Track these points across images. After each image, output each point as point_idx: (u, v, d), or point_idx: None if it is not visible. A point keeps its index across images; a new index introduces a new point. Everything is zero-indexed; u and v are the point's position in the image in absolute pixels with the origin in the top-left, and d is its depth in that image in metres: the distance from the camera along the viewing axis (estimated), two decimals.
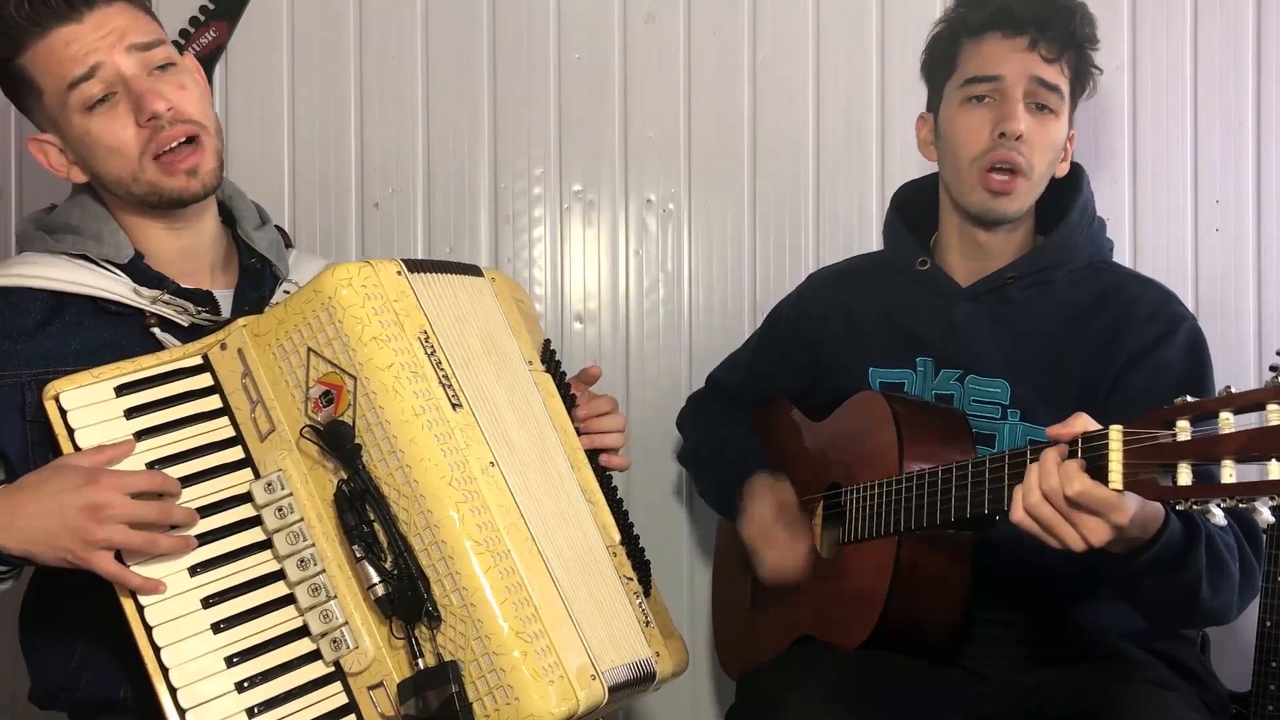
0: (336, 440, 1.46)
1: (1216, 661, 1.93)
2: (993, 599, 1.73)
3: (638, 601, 1.61)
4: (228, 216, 1.78)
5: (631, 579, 1.63)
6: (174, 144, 1.59)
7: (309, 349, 1.49)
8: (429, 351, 1.50)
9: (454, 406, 1.49)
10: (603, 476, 1.68)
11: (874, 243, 2.28)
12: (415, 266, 1.56)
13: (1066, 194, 1.88)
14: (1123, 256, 2.26)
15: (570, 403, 1.69)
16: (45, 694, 1.66)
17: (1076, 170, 1.92)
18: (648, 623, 1.60)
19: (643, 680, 1.55)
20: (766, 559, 1.87)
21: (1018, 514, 1.45)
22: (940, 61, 1.90)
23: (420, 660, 1.42)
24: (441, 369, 1.50)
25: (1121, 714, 1.56)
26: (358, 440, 1.46)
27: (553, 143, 2.34)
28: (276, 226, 1.84)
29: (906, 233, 1.96)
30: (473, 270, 1.65)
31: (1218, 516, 1.29)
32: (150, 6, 1.65)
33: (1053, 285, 1.84)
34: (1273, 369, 1.88)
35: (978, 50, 1.83)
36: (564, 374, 1.71)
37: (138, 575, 1.43)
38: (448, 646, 1.42)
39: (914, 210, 1.98)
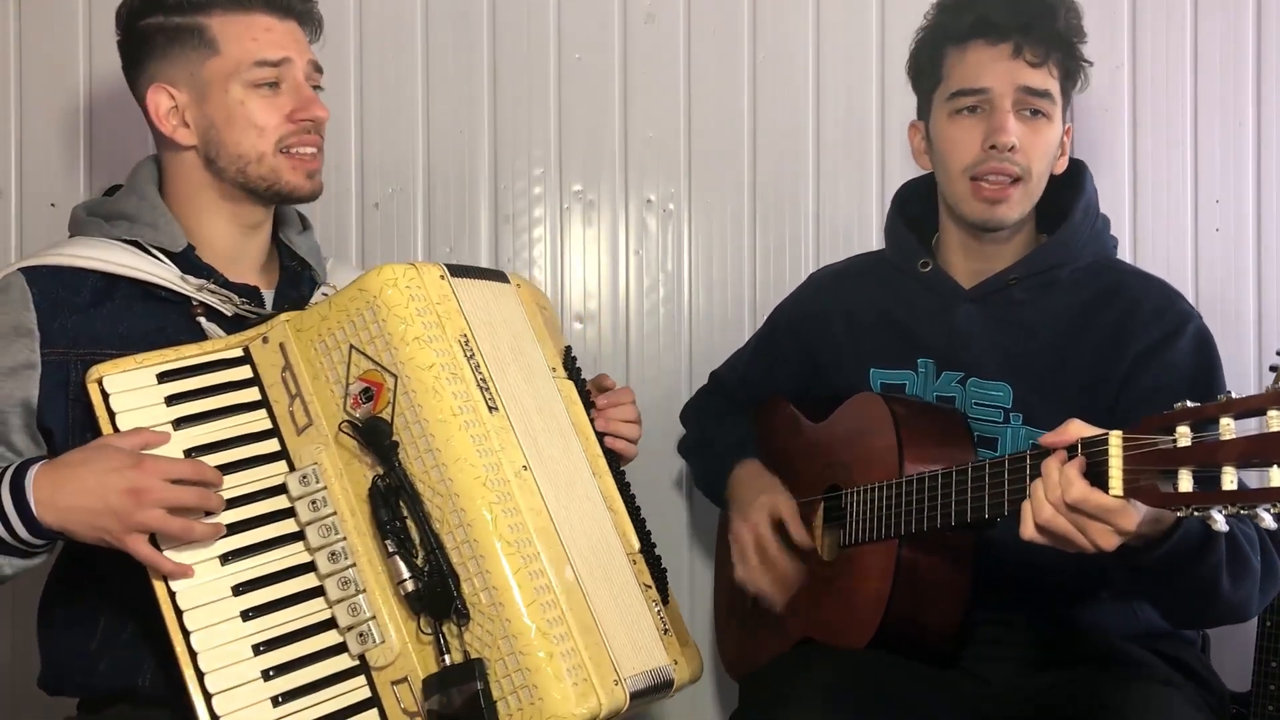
0: (375, 436, 1.48)
1: (1216, 661, 1.92)
2: (994, 601, 1.73)
3: (656, 609, 1.62)
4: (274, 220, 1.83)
5: (650, 587, 1.64)
6: (305, 149, 1.71)
7: (351, 346, 1.52)
8: (468, 355, 1.53)
9: (490, 409, 1.52)
10: (623, 485, 1.69)
11: (874, 243, 2.28)
12: (455, 271, 1.59)
13: (1069, 192, 1.86)
14: (1123, 256, 2.23)
15: (590, 409, 1.71)
16: (57, 678, 1.66)
17: (1079, 168, 1.90)
18: (666, 630, 1.62)
19: (661, 687, 1.56)
20: (755, 581, 1.87)
21: (1028, 531, 1.44)
22: (925, 70, 1.88)
23: (447, 657, 1.44)
24: (479, 372, 1.53)
25: (1123, 713, 1.55)
26: (395, 437, 1.48)
27: (553, 143, 2.34)
28: None
29: (908, 233, 1.95)
30: (498, 276, 1.68)
31: (1219, 523, 1.29)
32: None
33: (1056, 285, 1.83)
34: (1273, 369, 1.87)
35: (962, 60, 1.81)
36: (584, 381, 1.73)
37: (170, 560, 1.46)
38: (474, 644, 1.44)
39: (916, 210, 1.97)
